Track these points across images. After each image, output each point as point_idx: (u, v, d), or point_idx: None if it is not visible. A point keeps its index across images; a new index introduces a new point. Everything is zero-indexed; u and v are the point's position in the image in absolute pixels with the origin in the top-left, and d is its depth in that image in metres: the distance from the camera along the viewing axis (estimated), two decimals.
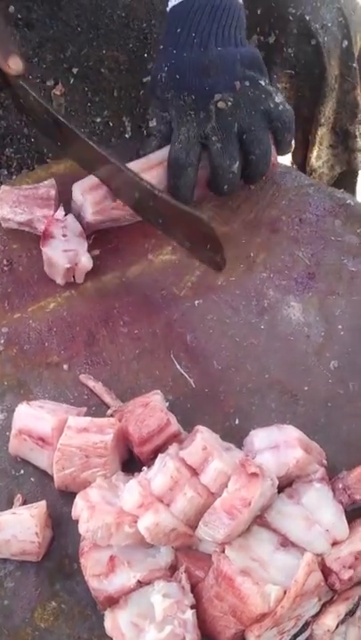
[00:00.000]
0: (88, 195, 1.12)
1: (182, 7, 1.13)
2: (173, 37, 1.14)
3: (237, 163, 1.11)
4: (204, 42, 1.12)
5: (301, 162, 1.55)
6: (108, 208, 1.12)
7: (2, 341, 1.05)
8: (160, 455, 0.86)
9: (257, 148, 1.12)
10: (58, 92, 1.42)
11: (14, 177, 1.42)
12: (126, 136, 1.50)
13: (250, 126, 1.11)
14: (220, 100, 1.10)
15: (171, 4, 1.15)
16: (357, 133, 1.56)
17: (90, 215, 1.11)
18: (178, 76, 1.11)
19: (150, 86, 1.17)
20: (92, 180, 1.13)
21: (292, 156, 1.58)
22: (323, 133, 1.53)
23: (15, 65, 1.07)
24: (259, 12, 1.46)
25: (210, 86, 1.11)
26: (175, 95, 1.12)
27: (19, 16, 1.42)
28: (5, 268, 1.14)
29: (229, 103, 1.10)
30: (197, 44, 1.12)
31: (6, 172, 1.48)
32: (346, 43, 1.46)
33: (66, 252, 1.08)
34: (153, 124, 1.17)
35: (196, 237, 1.04)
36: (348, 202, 1.24)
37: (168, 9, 1.16)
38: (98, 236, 1.17)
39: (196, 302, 1.10)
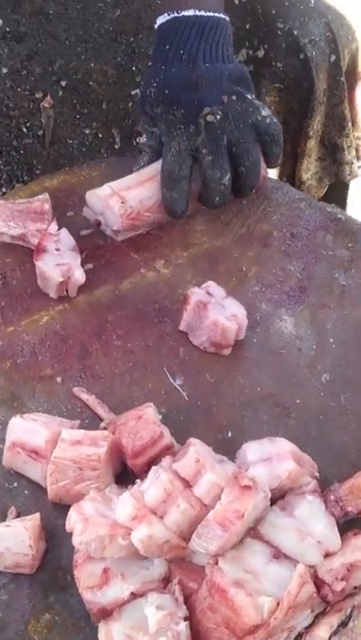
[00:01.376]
0: (110, 200, 1.14)
1: (171, 24, 1.15)
2: (162, 54, 1.15)
3: (228, 175, 1.13)
4: (192, 58, 1.13)
5: (290, 174, 1.57)
6: (135, 212, 1.14)
7: None
8: (153, 467, 0.87)
9: (246, 160, 1.13)
10: (47, 105, 1.43)
11: (4, 189, 1.43)
12: (116, 147, 1.51)
13: (239, 139, 1.12)
14: (209, 114, 1.11)
15: (159, 22, 1.17)
16: (345, 146, 1.58)
17: (119, 223, 1.15)
18: (167, 91, 1.12)
19: (139, 102, 1.18)
20: (107, 189, 1.15)
21: (281, 168, 1.59)
22: (311, 146, 1.55)
23: None
24: (248, 26, 1.48)
25: (198, 100, 1.12)
26: (165, 110, 1.13)
27: (7, 29, 1.43)
28: None
29: (218, 116, 1.12)
30: (186, 60, 1.13)
31: None
32: (334, 57, 1.48)
33: (59, 266, 1.09)
34: (143, 139, 1.18)
35: None
36: (338, 216, 1.25)
37: (156, 26, 1.17)
38: (90, 250, 1.18)
39: None
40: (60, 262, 1.09)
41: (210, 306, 1.05)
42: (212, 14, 1.13)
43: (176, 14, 1.12)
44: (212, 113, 1.11)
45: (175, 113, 1.12)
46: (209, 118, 1.11)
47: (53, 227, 1.14)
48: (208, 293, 1.07)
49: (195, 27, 1.12)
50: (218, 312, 1.04)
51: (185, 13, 1.12)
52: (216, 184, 1.13)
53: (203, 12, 1.13)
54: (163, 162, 1.13)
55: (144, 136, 1.16)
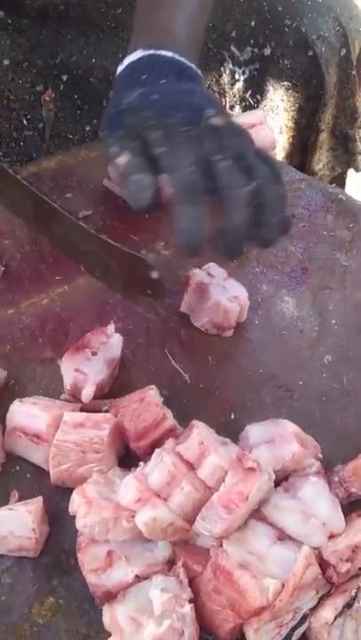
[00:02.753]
0: None
1: (146, 61, 1.02)
2: (135, 82, 1.00)
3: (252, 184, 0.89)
4: (173, 79, 1.00)
5: (298, 165, 1.55)
6: None
7: None
8: (157, 450, 0.86)
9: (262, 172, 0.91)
10: (47, 98, 1.42)
11: None
12: None
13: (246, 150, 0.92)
14: (213, 117, 0.90)
15: (129, 59, 1.04)
16: (357, 137, 1.57)
17: None
18: (156, 96, 0.94)
19: (106, 119, 1.02)
20: None
21: (289, 160, 1.58)
22: (323, 139, 1.54)
23: None
24: (253, 23, 1.45)
25: (197, 103, 0.94)
26: (158, 113, 0.91)
27: (9, 21, 1.42)
28: None
29: (222, 121, 0.92)
30: (168, 81, 1.00)
31: None
32: (344, 51, 1.47)
33: (76, 372, 0.97)
34: (123, 159, 0.90)
35: (135, 281, 0.97)
36: (339, 197, 1.24)
37: (124, 65, 1.05)
38: None
39: None
40: (80, 368, 0.96)
41: (211, 287, 1.04)
42: (190, 64, 1.01)
43: (154, 51, 1.00)
44: (216, 116, 0.91)
45: (174, 115, 0.90)
46: (214, 121, 0.90)
47: (110, 328, 1.01)
48: (209, 274, 1.06)
49: (173, 68, 0.99)
50: (219, 293, 1.03)
51: (163, 53, 1.00)
52: (238, 192, 0.87)
53: (181, 58, 1.00)
54: (173, 173, 0.87)
55: (122, 157, 0.89)
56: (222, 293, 1.04)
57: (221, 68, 1.48)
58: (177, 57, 1.01)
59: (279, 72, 1.48)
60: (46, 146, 1.45)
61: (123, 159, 0.88)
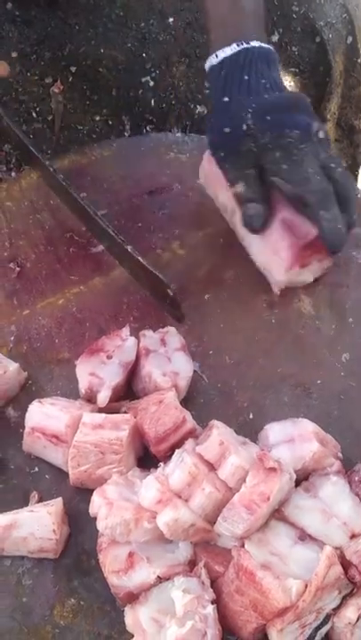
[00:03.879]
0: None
1: (239, 55, 1.06)
2: (240, 84, 1.05)
3: None
4: (276, 85, 1.06)
5: None
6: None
7: (11, 338, 1.05)
8: (177, 451, 0.86)
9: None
10: (56, 90, 1.41)
11: (13, 173, 1.42)
12: (126, 134, 1.50)
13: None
14: (320, 130, 1.02)
15: (224, 54, 1.06)
16: None
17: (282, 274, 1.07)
18: (269, 117, 1.01)
19: (222, 144, 1.05)
20: None
21: None
22: (328, 128, 1.54)
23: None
24: None
25: (304, 120, 1.02)
26: (276, 135, 1.00)
27: (17, 13, 1.41)
28: (12, 265, 1.13)
29: (324, 133, 1.03)
30: (269, 87, 1.05)
31: (5, 168, 1.47)
32: (350, 39, 1.46)
33: (91, 376, 0.96)
34: (240, 189, 1.04)
35: (158, 292, 1.05)
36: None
37: (219, 58, 1.06)
38: None
39: (206, 296, 1.09)
40: (95, 372, 0.97)
41: (151, 356, 0.97)
42: (267, 46, 1.07)
43: (246, 45, 1.04)
44: (320, 129, 1.02)
45: (291, 135, 1.00)
46: (321, 135, 1.02)
47: (125, 331, 1.00)
48: (161, 341, 1.01)
49: (263, 58, 1.06)
50: (157, 365, 0.97)
51: (252, 44, 1.05)
52: (356, 195, 1.02)
53: (264, 44, 1.06)
54: (305, 185, 0.98)
55: (239, 184, 1.03)
56: (160, 365, 0.97)
57: None
58: (263, 45, 1.06)
59: (287, 58, 1.48)
60: (56, 138, 1.44)
61: (240, 187, 1.03)
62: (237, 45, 1.05)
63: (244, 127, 1.01)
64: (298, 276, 1.09)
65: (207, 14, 1.13)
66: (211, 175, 1.14)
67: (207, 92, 1.09)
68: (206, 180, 1.18)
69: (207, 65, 1.08)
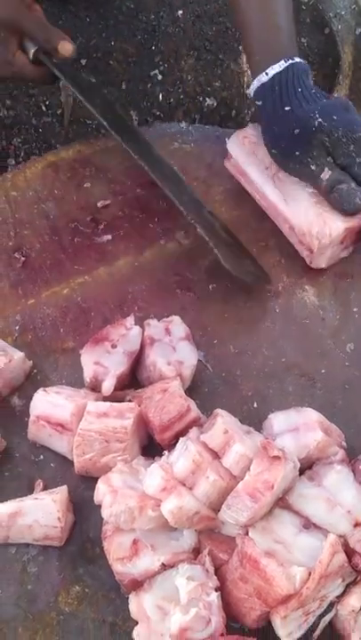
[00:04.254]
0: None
1: (288, 70, 1.13)
2: (295, 94, 1.12)
3: None
4: (322, 93, 1.14)
5: None
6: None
7: (17, 328, 1.05)
8: (181, 439, 0.86)
9: None
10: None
11: (21, 166, 1.42)
12: None
13: None
14: None
15: (274, 70, 1.13)
16: None
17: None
18: (335, 117, 1.09)
19: (298, 141, 1.11)
20: None
21: None
22: None
23: (65, 50, 1.11)
24: None
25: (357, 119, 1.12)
26: (345, 131, 1.09)
27: None
28: (17, 255, 1.13)
29: None
30: (321, 95, 1.13)
31: (14, 162, 1.47)
32: (359, 30, 1.46)
33: (96, 365, 0.97)
34: (327, 175, 1.09)
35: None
36: None
37: (270, 75, 1.13)
38: (109, 221, 1.17)
39: (211, 287, 1.10)
40: (100, 361, 0.97)
41: (156, 345, 0.98)
42: (304, 61, 1.15)
43: (292, 61, 1.12)
44: None
45: (359, 130, 1.10)
46: None
47: (130, 320, 1.01)
48: (166, 330, 1.01)
49: (304, 71, 1.14)
50: (161, 354, 0.97)
51: (296, 60, 1.13)
52: None
53: (298, 60, 1.14)
54: None
55: (326, 171, 1.08)
56: (165, 355, 0.97)
57: (240, 47, 1.47)
58: (301, 60, 1.14)
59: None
60: (65, 132, 1.44)
61: (326, 174, 1.08)
62: (285, 62, 1.12)
63: (315, 125, 1.08)
64: (340, 251, 1.12)
65: (246, 35, 1.20)
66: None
67: (259, 103, 1.14)
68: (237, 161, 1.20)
69: (257, 82, 1.14)
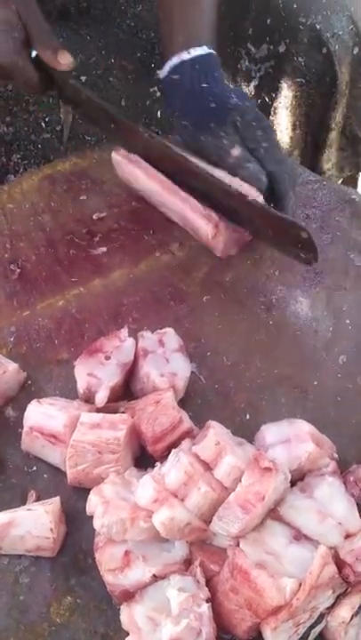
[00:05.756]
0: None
1: (205, 57, 1.20)
2: (214, 76, 1.19)
3: None
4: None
5: (310, 165, 1.55)
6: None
7: (11, 339, 1.06)
8: (173, 450, 0.87)
9: None
10: None
11: None
12: None
13: None
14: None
15: (182, 58, 1.19)
16: None
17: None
18: (248, 103, 1.17)
19: (214, 115, 1.17)
20: None
21: (301, 158, 1.58)
22: (333, 137, 1.55)
23: (65, 60, 1.11)
24: (268, 21, 1.46)
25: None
26: (258, 116, 1.17)
27: None
28: (13, 267, 1.14)
29: None
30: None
31: (13, 178, 1.48)
32: (357, 50, 1.47)
33: (89, 376, 0.97)
34: (238, 152, 1.15)
35: (287, 239, 1.06)
36: (353, 197, 1.24)
37: (180, 60, 1.19)
38: (104, 234, 1.18)
39: (205, 298, 1.10)
40: (93, 373, 0.97)
41: (149, 357, 0.98)
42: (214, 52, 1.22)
43: (212, 51, 1.20)
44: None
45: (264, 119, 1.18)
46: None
47: (124, 332, 1.01)
48: (159, 342, 1.01)
49: (218, 61, 1.21)
50: (154, 366, 0.97)
51: (211, 51, 1.21)
52: None
53: (211, 50, 1.21)
54: (281, 166, 1.15)
55: (236, 147, 1.14)
56: (158, 366, 0.97)
57: (238, 65, 1.49)
58: (213, 52, 1.21)
59: (293, 69, 1.49)
60: (64, 148, 1.46)
61: (237, 150, 1.13)
62: (208, 48, 1.20)
63: (231, 104, 1.15)
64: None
65: (170, 16, 1.25)
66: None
67: (175, 77, 1.19)
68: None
69: (176, 59, 1.20)
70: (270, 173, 1.13)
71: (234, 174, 1.12)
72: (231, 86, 1.19)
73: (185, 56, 1.18)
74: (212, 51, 1.20)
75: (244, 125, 1.14)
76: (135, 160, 1.15)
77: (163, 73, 1.21)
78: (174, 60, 1.19)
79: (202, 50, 1.19)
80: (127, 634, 0.79)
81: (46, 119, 1.43)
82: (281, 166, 1.14)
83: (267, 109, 1.55)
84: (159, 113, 1.50)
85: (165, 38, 1.25)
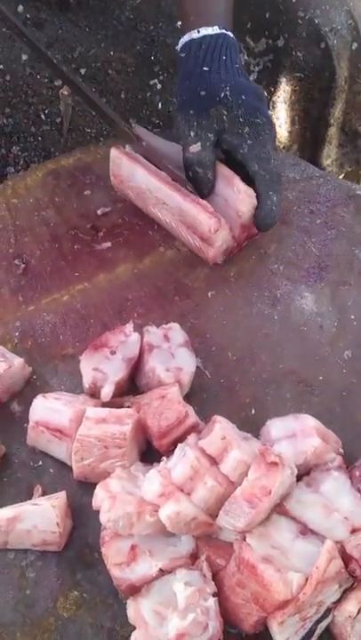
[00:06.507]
0: None
1: (215, 37, 1.17)
2: (219, 60, 1.16)
3: None
4: (244, 72, 1.17)
5: (310, 161, 1.55)
6: None
7: (16, 334, 1.06)
8: (179, 445, 0.87)
9: None
10: (65, 92, 1.42)
11: (21, 175, 1.42)
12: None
13: None
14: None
15: (191, 37, 1.17)
16: None
17: None
18: (244, 97, 1.13)
19: (200, 103, 1.14)
20: None
21: (300, 154, 1.58)
22: (332, 133, 1.54)
23: None
24: (267, 15, 1.46)
25: (267, 111, 1.16)
26: (249, 113, 1.12)
27: (27, 16, 1.42)
28: (17, 262, 1.14)
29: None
30: (241, 73, 1.16)
31: (13, 170, 1.48)
32: (356, 45, 1.47)
33: (95, 371, 0.97)
34: (196, 151, 1.11)
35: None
36: (357, 192, 1.24)
37: (189, 39, 1.17)
38: (109, 229, 1.18)
39: (209, 294, 1.10)
40: (99, 367, 0.97)
41: (154, 352, 0.99)
42: (233, 36, 1.19)
43: (225, 31, 1.17)
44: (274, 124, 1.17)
45: (261, 118, 1.13)
46: (275, 129, 1.19)
47: (129, 327, 1.01)
48: (165, 337, 1.02)
49: (234, 46, 1.18)
50: (160, 360, 0.98)
51: (229, 33, 1.17)
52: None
53: (231, 34, 1.18)
54: (266, 165, 1.10)
55: (197, 145, 1.11)
56: (164, 361, 0.98)
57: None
58: (233, 36, 1.18)
59: (292, 63, 1.49)
60: (64, 140, 1.45)
61: (196, 148, 1.09)
62: (219, 29, 1.16)
63: (220, 96, 1.11)
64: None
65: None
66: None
67: (182, 55, 1.17)
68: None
69: (187, 37, 1.17)
70: (251, 173, 1.09)
71: (186, 169, 1.11)
72: (238, 75, 1.14)
73: (194, 35, 1.16)
74: (224, 31, 1.16)
75: (231, 121, 1.10)
76: (135, 157, 1.14)
77: (178, 50, 1.20)
78: (185, 38, 1.17)
79: (212, 30, 1.16)
80: (134, 628, 0.80)
81: (46, 111, 1.43)
82: (265, 165, 1.09)
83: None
84: (160, 105, 1.50)
85: (183, 16, 1.23)
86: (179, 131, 1.12)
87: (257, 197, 1.08)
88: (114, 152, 1.15)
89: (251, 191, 1.08)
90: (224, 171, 1.10)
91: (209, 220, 1.07)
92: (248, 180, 1.09)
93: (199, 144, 1.09)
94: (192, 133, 1.10)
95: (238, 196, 1.08)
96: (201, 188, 1.10)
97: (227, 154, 1.12)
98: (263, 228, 1.10)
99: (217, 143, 1.11)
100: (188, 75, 1.15)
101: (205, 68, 1.14)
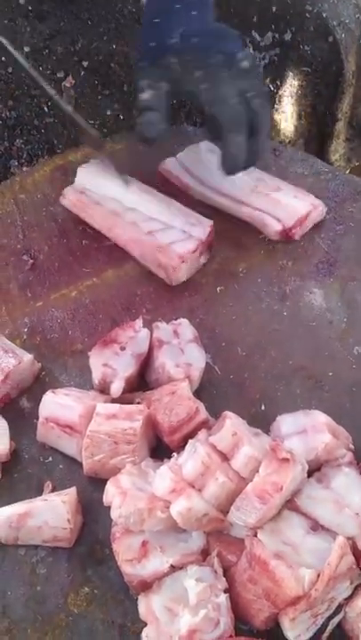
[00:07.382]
0: None
1: None
2: (172, 10, 1.12)
3: None
4: (205, 19, 1.13)
5: (316, 154, 1.55)
6: None
7: (25, 330, 1.06)
8: (190, 441, 0.87)
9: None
10: (68, 84, 1.42)
11: (25, 168, 1.42)
12: None
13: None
14: (244, 60, 1.08)
15: None
16: None
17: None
18: (196, 40, 1.10)
19: (144, 54, 1.12)
20: None
21: (306, 148, 1.58)
22: (340, 128, 1.54)
23: None
24: (274, 9, 1.45)
25: (231, 47, 1.09)
26: (199, 56, 1.08)
27: (29, 8, 1.42)
28: (26, 257, 1.14)
29: (249, 63, 1.09)
30: (200, 19, 1.12)
31: (16, 163, 1.48)
32: None
33: (105, 367, 0.97)
34: (145, 95, 1.10)
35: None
36: None
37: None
38: None
39: (218, 289, 1.10)
40: (108, 363, 0.97)
41: (164, 348, 0.98)
42: None
43: None
44: (245, 59, 1.08)
45: (214, 58, 1.07)
46: (245, 64, 1.08)
47: (139, 322, 1.01)
48: (174, 332, 1.01)
49: None
50: (170, 356, 0.97)
51: None
52: (268, 123, 1.14)
53: None
54: (221, 106, 1.07)
55: (147, 92, 1.09)
56: (174, 357, 0.98)
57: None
58: None
59: (299, 57, 1.48)
60: (67, 132, 1.45)
61: (145, 95, 1.08)
62: None
63: (170, 43, 1.09)
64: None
65: None
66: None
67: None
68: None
69: None
70: (212, 113, 1.07)
71: (137, 116, 1.09)
72: (202, 17, 1.11)
73: None
74: None
75: (183, 67, 1.07)
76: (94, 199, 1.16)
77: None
78: None
79: None
80: (145, 624, 0.79)
81: (49, 104, 1.42)
82: (220, 107, 1.06)
83: (272, 98, 1.54)
84: None
85: None
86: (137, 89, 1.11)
87: (221, 136, 1.07)
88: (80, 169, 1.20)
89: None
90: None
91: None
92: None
93: (149, 91, 1.08)
94: (142, 83, 1.09)
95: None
96: (149, 129, 1.08)
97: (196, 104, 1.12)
98: (229, 173, 1.09)
99: (177, 93, 1.11)
100: (144, 28, 1.15)
101: (156, 20, 1.12)
